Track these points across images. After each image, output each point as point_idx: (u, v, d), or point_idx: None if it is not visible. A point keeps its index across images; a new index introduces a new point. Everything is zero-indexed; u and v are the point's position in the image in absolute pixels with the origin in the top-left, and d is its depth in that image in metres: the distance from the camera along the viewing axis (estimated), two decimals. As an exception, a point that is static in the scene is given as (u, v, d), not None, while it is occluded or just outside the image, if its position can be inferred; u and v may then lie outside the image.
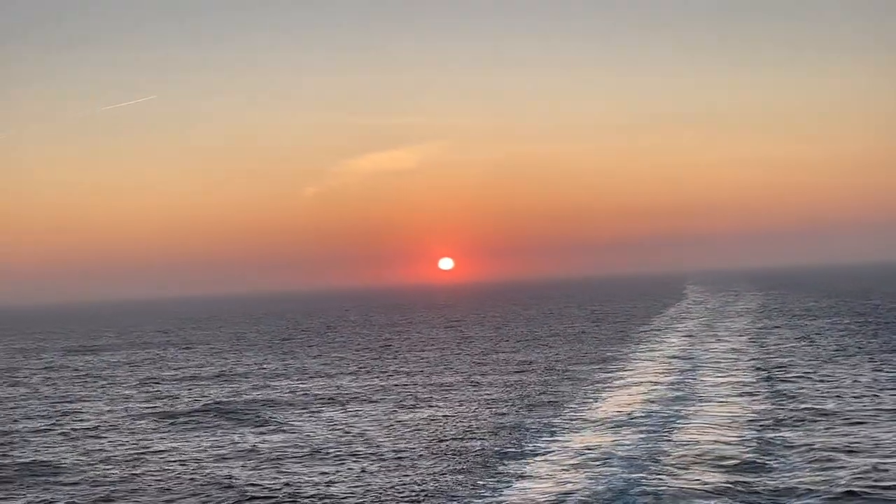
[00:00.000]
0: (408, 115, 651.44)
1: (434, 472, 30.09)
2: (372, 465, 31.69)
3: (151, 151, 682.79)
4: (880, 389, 41.77)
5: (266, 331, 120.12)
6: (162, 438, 38.91)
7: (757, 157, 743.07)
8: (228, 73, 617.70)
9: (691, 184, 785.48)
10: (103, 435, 40.42)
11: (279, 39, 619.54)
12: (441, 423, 39.22)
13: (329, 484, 29.26)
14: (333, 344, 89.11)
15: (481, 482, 28.41)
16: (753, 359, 56.35)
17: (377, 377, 57.77)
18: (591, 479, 27.54)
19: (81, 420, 45.08)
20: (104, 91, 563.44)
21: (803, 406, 38.32)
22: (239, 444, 36.48)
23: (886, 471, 27.17)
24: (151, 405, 49.33)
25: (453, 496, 27.03)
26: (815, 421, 35.04)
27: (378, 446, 34.83)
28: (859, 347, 59.81)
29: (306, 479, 30.06)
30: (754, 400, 40.56)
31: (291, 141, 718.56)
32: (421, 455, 32.87)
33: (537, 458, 31.07)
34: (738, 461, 28.96)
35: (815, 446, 30.65)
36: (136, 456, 35.18)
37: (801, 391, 42.36)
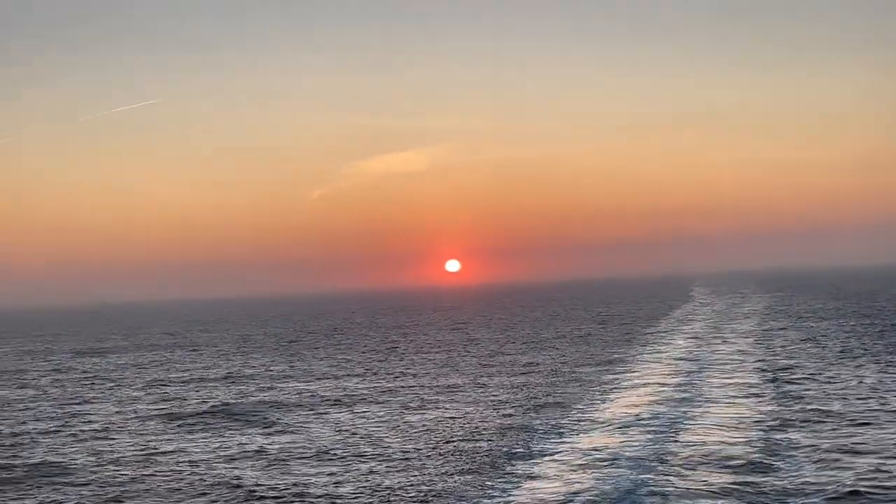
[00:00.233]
0: (416, 116, 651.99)
1: (442, 473, 30.24)
2: (380, 465, 31.84)
3: (157, 154, 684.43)
4: (886, 391, 41.86)
5: (273, 333, 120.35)
6: (170, 440, 39.09)
7: (759, 157, 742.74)
8: (234, 75, 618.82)
9: (694, 185, 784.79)
10: (112, 436, 40.61)
11: (287, 41, 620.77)
12: (449, 425, 39.36)
13: (337, 484, 29.42)
14: (340, 346, 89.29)
15: (490, 483, 28.55)
16: (760, 360, 56.44)
17: (384, 379, 57.93)
18: (598, 479, 27.67)
19: (90, 421, 45.28)
20: (109, 94, 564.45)
21: (809, 407, 38.43)
22: (246, 446, 36.64)
23: (892, 472, 27.28)
24: (159, 407, 49.53)
25: (462, 496, 27.18)
26: (821, 422, 35.16)
27: (386, 447, 34.99)
28: (865, 349, 59.88)
29: (314, 479, 30.22)
30: (760, 401, 40.67)
31: (298, 143, 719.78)
32: (429, 456, 33.02)
33: (545, 459, 31.21)
34: (745, 462, 29.08)
35: (821, 447, 30.77)
36: (144, 457, 35.36)
37: (807, 392, 42.46)
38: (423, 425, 39.52)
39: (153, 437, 39.82)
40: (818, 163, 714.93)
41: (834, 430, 33.60)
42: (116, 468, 33.59)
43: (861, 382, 44.68)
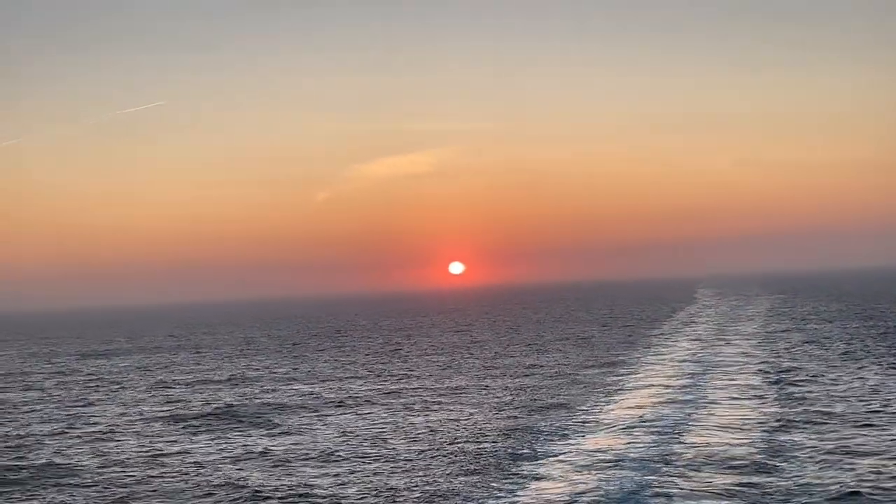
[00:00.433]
0: (418, 118, 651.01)
1: (447, 474, 30.34)
2: (384, 466, 31.94)
3: (161, 156, 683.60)
4: (888, 392, 41.95)
5: (276, 335, 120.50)
6: (175, 441, 39.22)
7: (759, 158, 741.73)
8: (238, 78, 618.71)
9: (695, 186, 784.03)
10: (117, 438, 40.74)
11: (292, 44, 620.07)
12: (453, 426, 39.47)
13: (342, 485, 29.52)
14: (344, 348, 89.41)
15: (496, 484, 28.66)
16: (763, 362, 56.51)
17: (388, 381, 58.05)
18: (603, 480, 27.78)
19: (95, 423, 45.42)
20: (111, 95, 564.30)
21: (812, 409, 38.51)
22: (251, 447, 36.76)
23: (894, 473, 27.36)
24: (164, 409, 49.66)
25: (468, 497, 27.29)
26: (824, 423, 35.25)
27: (390, 449, 35.10)
28: (868, 351, 59.94)
29: (319, 481, 30.33)
30: (763, 402, 40.77)
31: (301, 146, 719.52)
32: (434, 457, 33.14)
33: (551, 460, 31.32)
34: (749, 463, 29.19)
35: (823, 448, 30.87)
36: (149, 458, 35.49)
37: (809, 394, 42.54)
38: (428, 427, 39.63)
39: (158, 439, 39.95)
40: (819, 163, 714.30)
41: (836, 431, 33.69)
42: (121, 470, 33.72)
43: (864, 384, 44.76)
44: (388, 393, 51.87)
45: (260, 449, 36.29)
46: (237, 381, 62.69)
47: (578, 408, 42.62)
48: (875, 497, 25.14)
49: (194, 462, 34.45)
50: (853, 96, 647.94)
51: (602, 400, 44.64)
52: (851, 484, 26.21)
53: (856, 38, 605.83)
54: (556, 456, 31.95)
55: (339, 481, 30.15)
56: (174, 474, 32.49)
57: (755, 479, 27.22)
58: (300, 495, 28.56)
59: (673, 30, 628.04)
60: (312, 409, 46.96)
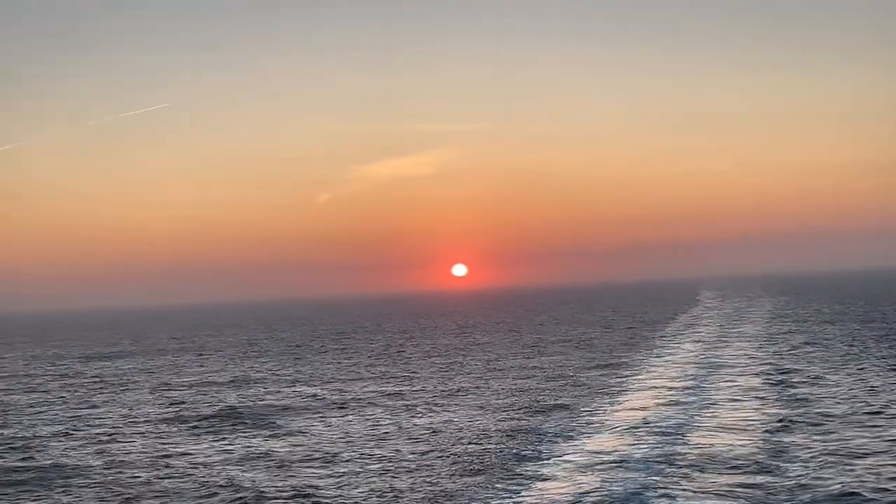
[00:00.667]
0: (420, 119, 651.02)
1: (451, 474, 30.48)
2: (388, 467, 32.08)
3: (161, 157, 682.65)
4: (890, 393, 42.05)
5: (279, 337, 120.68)
6: (178, 443, 39.37)
7: (759, 158, 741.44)
8: (238, 78, 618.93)
9: (698, 187, 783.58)
10: (121, 439, 40.89)
11: (292, 44, 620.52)
12: (456, 427, 39.61)
13: (346, 486, 29.66)
14: (346, 350, 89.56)
15: (499, 484, 28.79)
16: (765, 363, 56.62)
17: (390, 382, 58.19)
18: (607, 481, 27.92)
19: (99, 425, 45.58)
20: (114, 97, 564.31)
21: (814, 410, 38.63)
22: (254, 449, 36.90)
23: (894, 473, 27.51)
24: (168, 410, 49.81)
25: (472, 498, 27.42)
26: (826, 424, 35.37)
27: (393, 450, 35.23)
28: (869, 353, 60.03)
29: (322, 482, 30.47)
30: (765, 404, 40.90)
31: (304, 147, 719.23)
32: (437, 458, 33.27)
33: (554, 461, 31.46)
34: (751, 463, 29.33)
35: (825, 449, 30.99)
36: (153, 460, 35.64)
37: (811, 395, 42.66)
38: (431, 428, 39.77)
39: (162, 441, 40.10)
40: (819, 164, 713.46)
41: (838, 432, 33.81)
42: (126, 471, 33.87)
43: (866, 385, 44.87)
44: (391, 394, 52.02)
45: (263, 450, 36.43)
46: (241, 382, 62.85)
47: (581, 409, 42.75)
48: (876, 497, 25.26)
49: (198, 463, 34.60)
50: (853, 96, 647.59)
51: (605, 401, 44.76)
52: (853, 484, 26.34)
53: (856, 38, 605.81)
54: (559, 456, 32.08)
55: (343, 483, 30.29)
56: (178, 475, 32.65)
57: (757, 480, 27.36)
58: (304, 496, 28.69)
59: (673, 30, 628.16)
60: (315, 410, 47.11)
